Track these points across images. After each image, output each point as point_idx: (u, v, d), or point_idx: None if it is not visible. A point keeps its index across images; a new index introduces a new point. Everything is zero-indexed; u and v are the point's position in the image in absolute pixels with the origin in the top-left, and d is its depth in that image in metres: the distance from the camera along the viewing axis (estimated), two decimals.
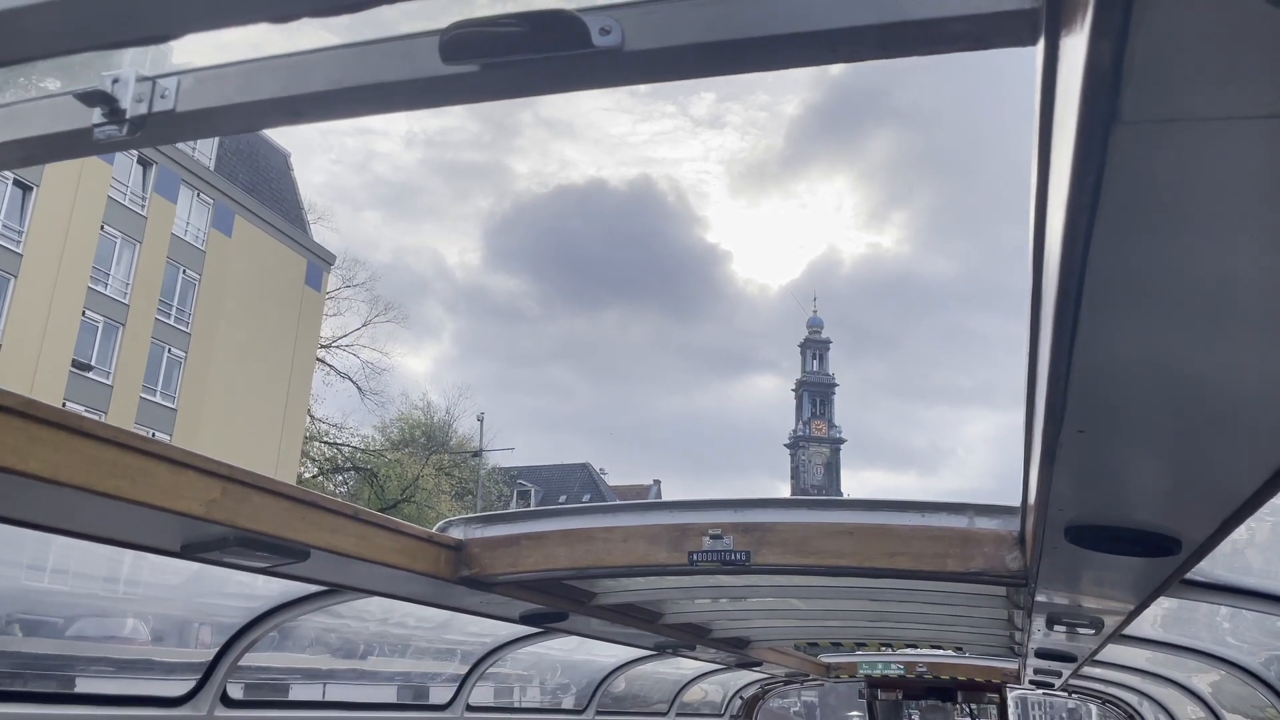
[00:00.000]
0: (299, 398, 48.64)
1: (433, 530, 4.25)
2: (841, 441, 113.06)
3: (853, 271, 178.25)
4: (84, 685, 5.07)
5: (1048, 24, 1.23)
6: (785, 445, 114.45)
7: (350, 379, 58.41)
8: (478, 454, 56.39)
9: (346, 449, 58.48)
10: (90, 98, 1.81)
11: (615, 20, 1.53)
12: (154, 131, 1.83)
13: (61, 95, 1.89)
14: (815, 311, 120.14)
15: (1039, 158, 1.35)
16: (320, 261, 51.08)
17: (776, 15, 1.49)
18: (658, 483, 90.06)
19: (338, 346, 58.99)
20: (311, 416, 55.63)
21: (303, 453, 53.44)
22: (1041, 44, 1.27)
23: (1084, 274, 1.39)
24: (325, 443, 57.73)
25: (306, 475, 54.33)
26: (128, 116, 1.80)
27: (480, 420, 56.32)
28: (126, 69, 1.82)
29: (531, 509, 4.53)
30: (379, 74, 1.70)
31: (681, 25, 1.53)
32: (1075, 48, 1.07)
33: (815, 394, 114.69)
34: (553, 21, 1.51)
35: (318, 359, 55.05)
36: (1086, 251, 1.34)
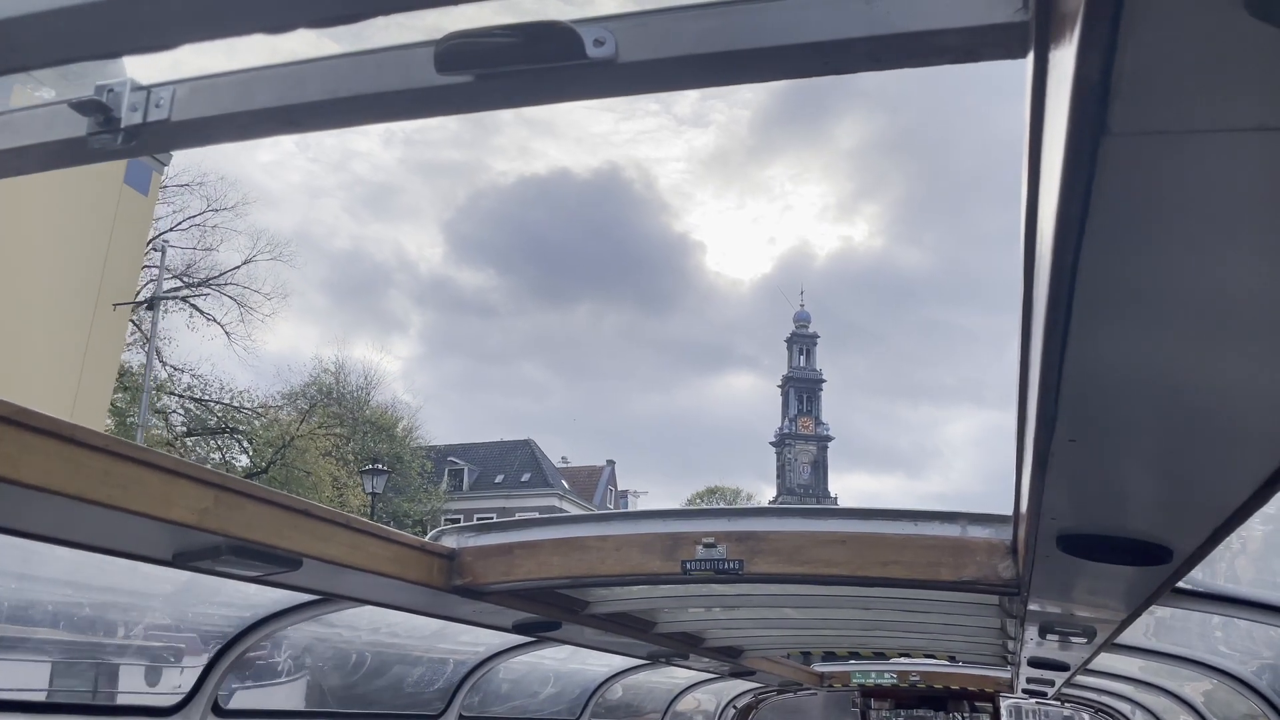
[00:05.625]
0: (111, 325, 37.48)
1: (425, 539, 4.25)
2: (829, 439, 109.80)
3: (827, 265, 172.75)
4: (74, 695, 5.03)
5: (1037, 37, 1.24)
6: (771, 443, 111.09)
7: (218, 322, 46.72)
8: (145, 306, 37.89)
9: (218, 406, 47.61)
10: (85, 107, 1.81)
11: (609, 31, 1.54)
12: (149, 140, 1.83)
13: (57, 104, 1.89)
14: (802, 305, 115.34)
15: (1029, 168, 1.36)
16: (149, 159, 40.50)
17: (768, 27, 1.50)
18: (611, 464, 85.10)
19: (209, 286, 47.36)
20: (167, 365, 45.25)
21: (153, 407, 42.81)
22: (1031, 56, 1.28)
23: (1074, 283, 1.40)
24: (183, 396, 47.19)
25: (166, 435, 45.05)
26: (122, 125, 1.80)
27: (160, 251, 40.37)
28: (122, 78, 1.83)
29: (526, 519, 4.53)
30: (374, 84, 1.71)
31: (675, 37, 1.54)
32: (1064, 60, 1.08)
33: (802, 390, 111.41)
34: (547, 33, 1.52)
35: (183, 298, 45.96)
36: (1077, 261, 1.35)
